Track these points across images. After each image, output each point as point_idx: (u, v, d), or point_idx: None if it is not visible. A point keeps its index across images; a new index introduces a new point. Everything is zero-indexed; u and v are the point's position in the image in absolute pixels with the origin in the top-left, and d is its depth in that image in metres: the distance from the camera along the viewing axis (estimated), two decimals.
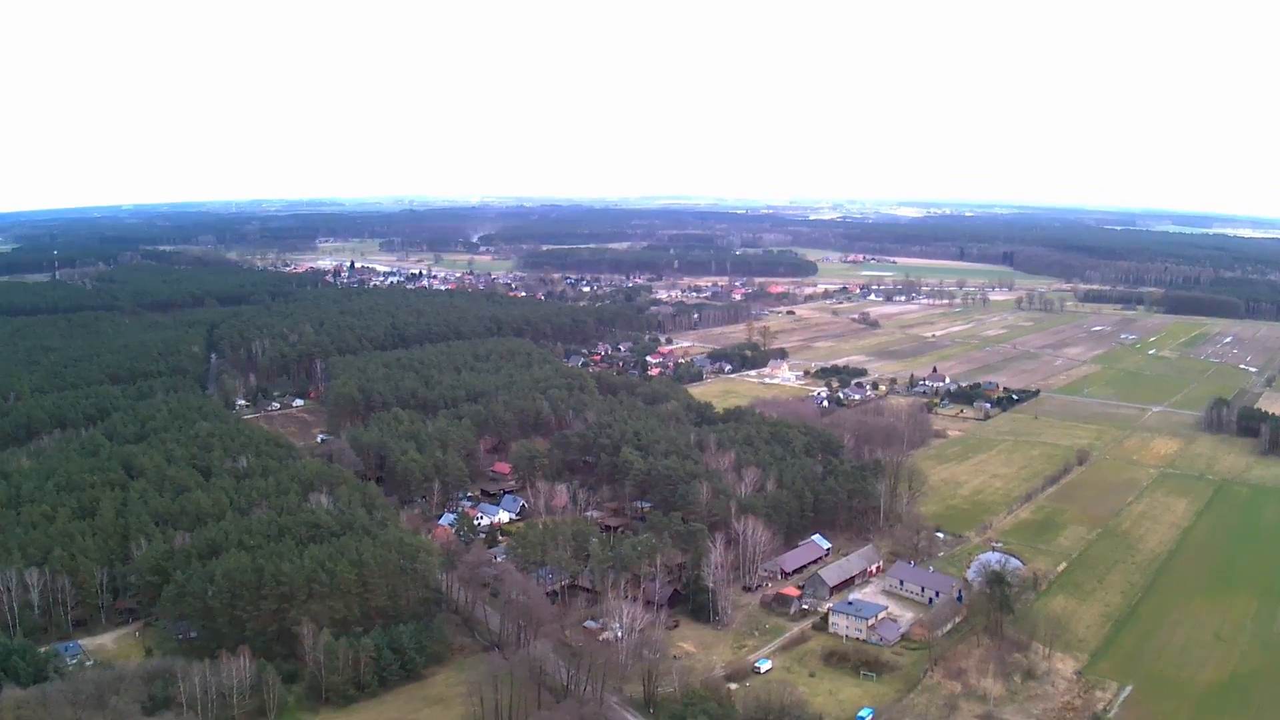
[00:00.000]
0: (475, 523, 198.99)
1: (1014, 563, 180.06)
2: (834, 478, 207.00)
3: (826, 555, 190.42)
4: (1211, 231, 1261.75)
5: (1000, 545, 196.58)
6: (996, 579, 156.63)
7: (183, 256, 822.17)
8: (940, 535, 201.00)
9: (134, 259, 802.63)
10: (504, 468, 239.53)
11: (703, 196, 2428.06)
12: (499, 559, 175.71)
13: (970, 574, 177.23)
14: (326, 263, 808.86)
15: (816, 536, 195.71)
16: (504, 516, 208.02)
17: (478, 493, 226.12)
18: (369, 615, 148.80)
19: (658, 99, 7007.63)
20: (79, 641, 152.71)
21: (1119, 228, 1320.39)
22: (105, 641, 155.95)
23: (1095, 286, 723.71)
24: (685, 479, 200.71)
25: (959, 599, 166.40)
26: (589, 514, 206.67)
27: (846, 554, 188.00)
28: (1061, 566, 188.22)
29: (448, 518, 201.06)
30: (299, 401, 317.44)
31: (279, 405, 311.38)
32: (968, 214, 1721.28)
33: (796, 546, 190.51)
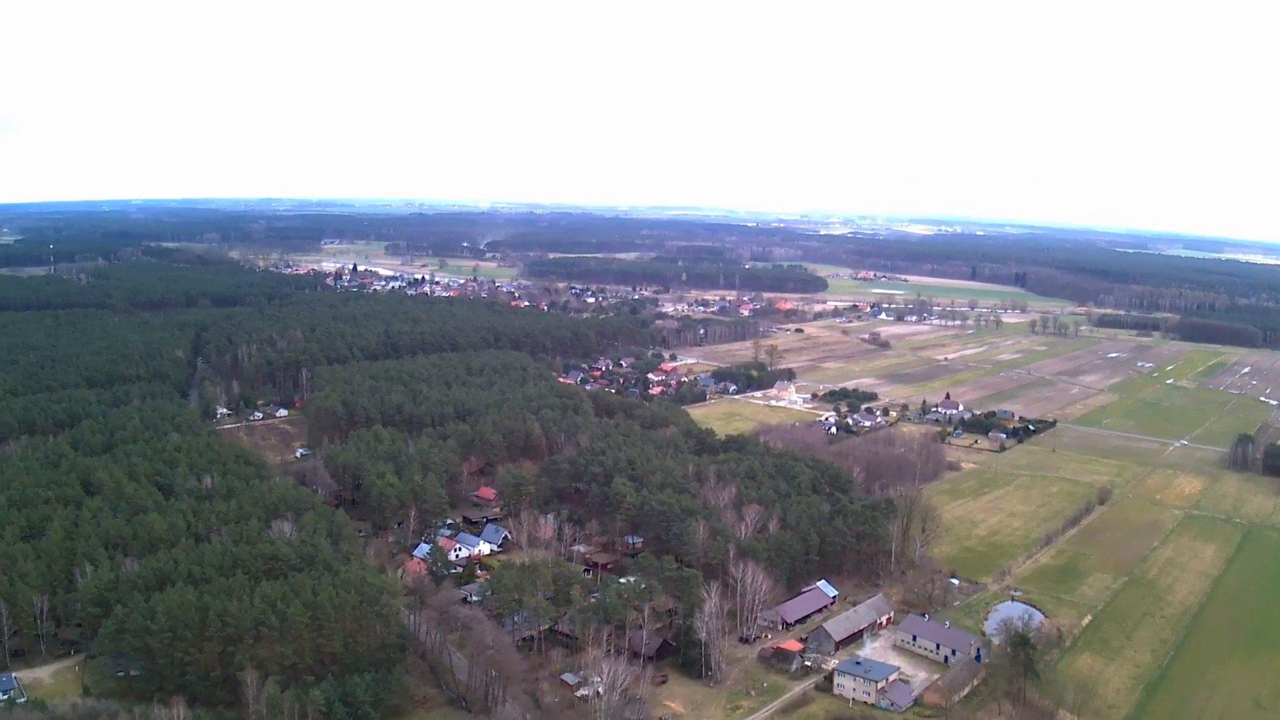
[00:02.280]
0: (453, 555, 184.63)
1: (1036, 616, 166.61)
2: (842, 518, 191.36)
3: (832, 604, 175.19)
4: (1224, 256, 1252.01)
5: (1020, 595, 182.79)
6: (1020, 640, 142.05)
7: (184, 254, 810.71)
8: (955, 582, 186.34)
9: (135, 255, 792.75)
10: (489, 492, 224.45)
11: (714, 207, 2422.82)
12: (474, 598, 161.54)
13: (989, 627, 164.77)
14: (329, 265, 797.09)
15: (822, 583, 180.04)
16: (485, 548, 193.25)
17: (459, 520, 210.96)
18: (322, 662, 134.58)
19: (673, 109, 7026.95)
20: (14, 675, 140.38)
21: (1131, 250, 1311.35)
22: (43, 675, 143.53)
23: (1109, 310, 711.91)
24: (681, 516, 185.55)
25: (978, 658, 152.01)
26: (576, 548, 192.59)
27: (854, 602, 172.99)
28: (1086, 620, 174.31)
29: (423, 548, 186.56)
30: (283, 411, 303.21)
31: (262, 415, 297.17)
32: (979, 233, 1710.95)
33: (799, 594, 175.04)
